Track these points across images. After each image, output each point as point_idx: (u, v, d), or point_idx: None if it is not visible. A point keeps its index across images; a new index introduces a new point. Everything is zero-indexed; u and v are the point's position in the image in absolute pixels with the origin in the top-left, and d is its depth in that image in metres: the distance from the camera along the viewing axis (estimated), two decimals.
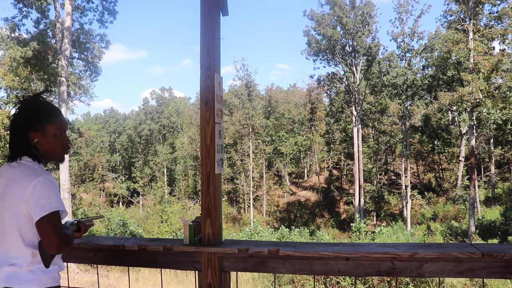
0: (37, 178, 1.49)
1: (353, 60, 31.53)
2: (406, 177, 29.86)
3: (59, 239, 1.47)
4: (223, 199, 35.90)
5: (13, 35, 14.64)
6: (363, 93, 32.03)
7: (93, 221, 1.93)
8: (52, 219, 1.47)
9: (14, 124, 1.62)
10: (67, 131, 1.74)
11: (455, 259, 1.78)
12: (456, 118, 29.98)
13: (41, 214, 1.45)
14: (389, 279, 9.93)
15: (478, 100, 20.20)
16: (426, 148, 38.09)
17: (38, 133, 1.60)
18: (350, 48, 31.41)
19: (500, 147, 32.06)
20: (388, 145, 36.30)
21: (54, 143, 1.63)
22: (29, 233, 1.53)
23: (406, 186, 29.31)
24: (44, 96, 1.73)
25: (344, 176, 42.78)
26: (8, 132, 1.69)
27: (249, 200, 36.28)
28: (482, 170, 34.42)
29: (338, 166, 43.97)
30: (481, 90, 19.70)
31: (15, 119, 1.63)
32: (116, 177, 50.43)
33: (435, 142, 35.47)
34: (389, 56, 31.50)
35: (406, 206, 28.25)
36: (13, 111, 1.66)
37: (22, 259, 1.52)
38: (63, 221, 1.64)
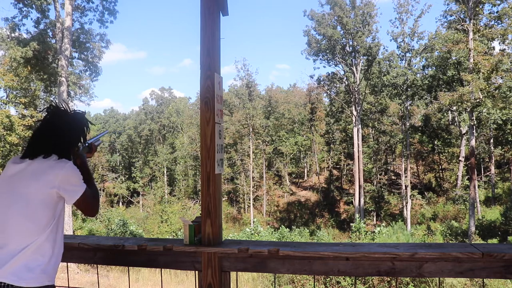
0: (66, 165, 1.68)
1: (353, 60, 31.50)
2: (406, 177, 29.84)
3: (94, 207, 1.78)
4: (223, 199, 35.89)
5: (13, 35, 14.63)
6: (363, 93, 32.01)
7: (100, 139, 2.14)
8: (86, 196, 1.73)
9: (77, 131, 1.84)
10: None
11: (455, 259, 1.78)
12: (456, 118, 29.97)
13: (77, 194, 1.69)
14: (389, 279, 9.93)
15: (478, 100, 20.18)
16: (426, 148, 38.05)
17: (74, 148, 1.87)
18: (350, 48, 31.39)
19: (500, 147, 32.02)
20: (388, 145, 36.27)
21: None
22: (38, 223, 1.61)
23: (406, 186, 29.30)
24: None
25: (344, 176, 42.74)
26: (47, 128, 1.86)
27: (249, 200, 36.26)
28: (482, 170, 34.39)
29: (338, 166, 43.93)
30: (481, 90, 19.69)
31: (81, 127, 1.85)
32: (116, 177, 50.41)
33: (435, 142, 35.42)
34: (389, 56, 31.48)
35: (406, 206, 28.24)
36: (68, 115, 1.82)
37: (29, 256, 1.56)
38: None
